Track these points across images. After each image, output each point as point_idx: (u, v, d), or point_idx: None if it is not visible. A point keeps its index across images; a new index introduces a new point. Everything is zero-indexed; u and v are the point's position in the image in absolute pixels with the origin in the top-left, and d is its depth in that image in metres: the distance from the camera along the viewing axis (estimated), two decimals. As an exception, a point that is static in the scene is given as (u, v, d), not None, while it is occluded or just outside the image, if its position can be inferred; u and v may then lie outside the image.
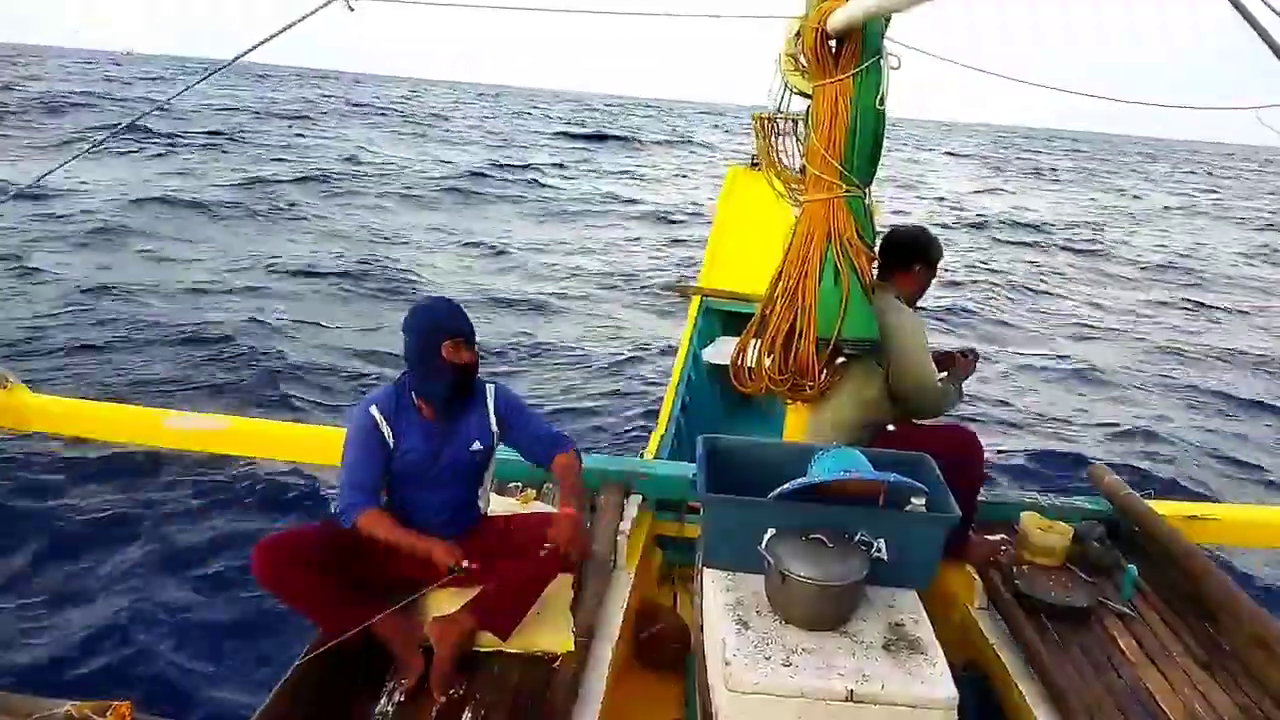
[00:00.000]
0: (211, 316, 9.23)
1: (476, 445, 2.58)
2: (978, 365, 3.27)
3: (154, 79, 54.18)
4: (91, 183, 16.44)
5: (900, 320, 2.98)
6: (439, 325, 2.44)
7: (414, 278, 11.84)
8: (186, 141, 24.03)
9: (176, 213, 14.93)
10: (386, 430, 2.49)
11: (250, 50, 3.67)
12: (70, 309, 9.09)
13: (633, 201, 21.86)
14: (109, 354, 7.87)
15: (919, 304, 3.20)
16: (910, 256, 3.11)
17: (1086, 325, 11.65)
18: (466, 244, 14.95)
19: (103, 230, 13.06)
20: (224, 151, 23.47)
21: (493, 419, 2.60)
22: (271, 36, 3.35)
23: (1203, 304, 13.91)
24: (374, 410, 2.49)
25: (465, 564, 2.35)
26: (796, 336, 2.98)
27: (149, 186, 16.81)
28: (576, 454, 2.67)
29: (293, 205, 16.62)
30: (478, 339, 2.55)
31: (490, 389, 2.63)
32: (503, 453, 2.75)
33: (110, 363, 7.65)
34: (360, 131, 34.08)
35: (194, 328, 8.74)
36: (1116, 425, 8.00)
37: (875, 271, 3.11)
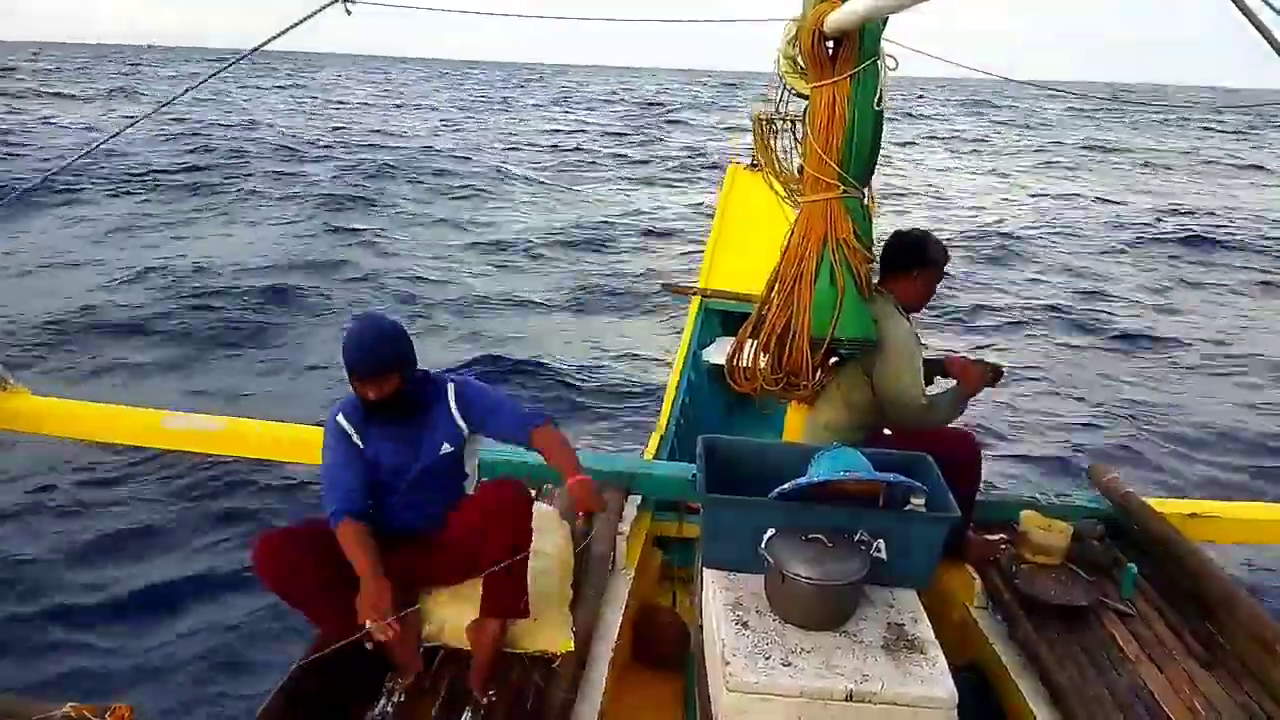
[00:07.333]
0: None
1: (446, 448, 2.53)
2: (996, 383, 3.11)
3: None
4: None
5: (891, 327, 2.96)
6: (347, 363, 2.37)
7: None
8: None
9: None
10: (355, 435, 2.47)
11: (250, 53, 3.68)
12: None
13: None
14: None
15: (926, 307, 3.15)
16: (910, 261, 3.08)
17: (1085, 316, 11.60)
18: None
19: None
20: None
21: (457, 418, 2.54)
22: (270, 40, 3.36)
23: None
24: (340, 417, 2.47)
25: (384, 626, 2.23)
26: (791, 336, 2.98)
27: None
28: (551, 423, 2.60)
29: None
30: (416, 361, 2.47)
31: (450, 387, 2.55)
32: (503, 451, 2.75)
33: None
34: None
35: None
36: (1117, 423, 8.00)
37: (876, 273, 3.11)
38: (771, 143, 3.19)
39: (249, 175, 19.37)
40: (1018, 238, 16.65)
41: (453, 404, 2.54)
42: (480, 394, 2.60)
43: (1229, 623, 2.69)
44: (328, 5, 3.24)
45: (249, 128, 27.42)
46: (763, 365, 3.07)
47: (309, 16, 3.20)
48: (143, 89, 43.35)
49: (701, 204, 18.10)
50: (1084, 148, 34.00)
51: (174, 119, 24.85)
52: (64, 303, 9.60)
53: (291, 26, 3.29)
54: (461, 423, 2.54)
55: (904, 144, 32.16)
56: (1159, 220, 18.53)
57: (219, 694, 3.86)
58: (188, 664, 4.05)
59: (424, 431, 2.51)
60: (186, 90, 3.97)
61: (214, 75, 4.01)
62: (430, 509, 2.56)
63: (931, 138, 36.63)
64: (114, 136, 4.13)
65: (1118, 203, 21.19)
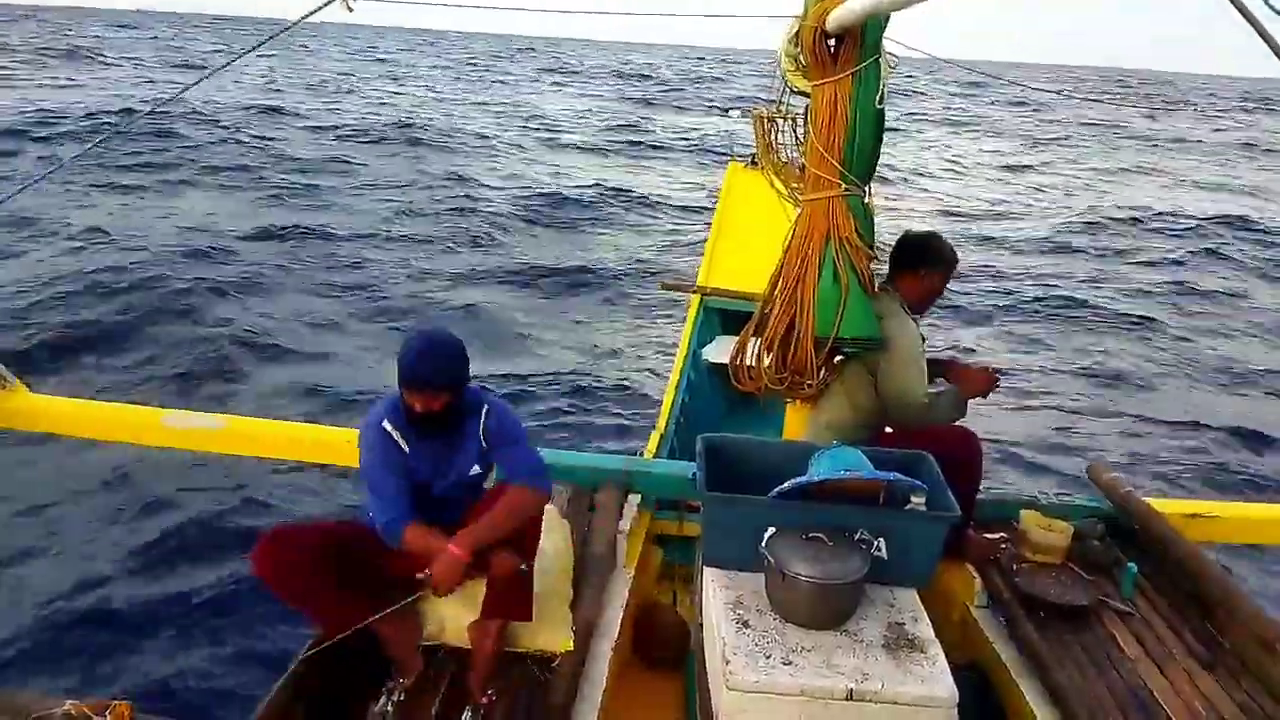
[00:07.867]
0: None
1: (476, 470, 2.53)
2: (994, 388, 3.05)
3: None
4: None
5: (895, 327, 2.95)
6: (402, 372, 2.35)
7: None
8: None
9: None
10: (400, 440, 2.45)
11: (249, 51, 3.67)
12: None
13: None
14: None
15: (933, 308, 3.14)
16: (917, 260, 3.07)
17: (1085, 316, 11.57)
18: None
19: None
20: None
21: (483, 440, 2.53)
22: (270, 38, 3.35)
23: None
24: (386, 424, 2.44)
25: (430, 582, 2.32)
26: (795, 335, 2.98)
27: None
28: (538, 492, 2.51)
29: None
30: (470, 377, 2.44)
31: (485, 409, 2.53)
32: None
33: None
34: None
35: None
36: (1116, 421, 7.99)
37: (885, 271, 3.10)
38: (773, 141, 3.19)
39: (222, 134, 19.08)
40: (1015, 216, 16.63)
41: (482, 424, 2.52)
42: (505, 427, 2.55)
43: (1229, 622, 2.69)
44: (328, 3, 3.23)
45: (226, 92, 27.11)
46: (767, 364, 3.07)
47: (309, 15, 3.19)
48: (108, 52, 42.61)
49: (699, 184, 18.08)
50: (1080, 125, 34.27)
51: (146, 82, 23.95)
52: (28, 273, 9.55)
53: (293, 25, 3.28)
54: (485, 445, 2.53)
55: (906, 114, 32.33)
56: (1160, 202, 18.50)
57: (218, 691, 3.86)
58: (187, 661, 4.05)
59: (457, 451, 2.51)
60: (186, 88, 3.97)
61: (220, 69, 4.00)
62: (449, 518, 2.56)
63: (928, 118, 36.82)
64: (125, 131, 4.12)
65: (1113, 181, 21.27)
